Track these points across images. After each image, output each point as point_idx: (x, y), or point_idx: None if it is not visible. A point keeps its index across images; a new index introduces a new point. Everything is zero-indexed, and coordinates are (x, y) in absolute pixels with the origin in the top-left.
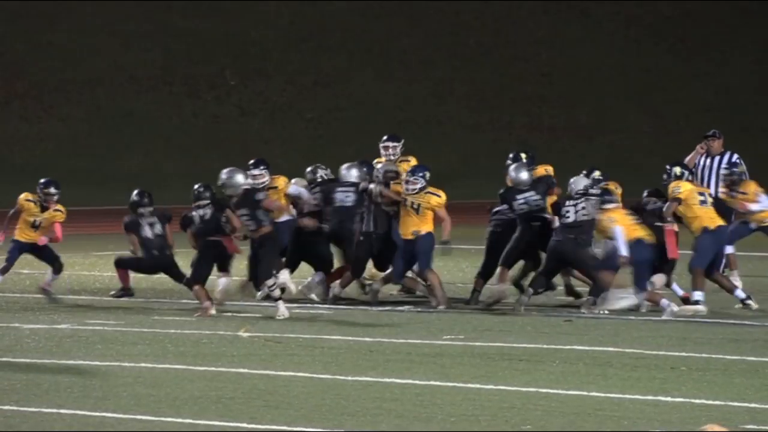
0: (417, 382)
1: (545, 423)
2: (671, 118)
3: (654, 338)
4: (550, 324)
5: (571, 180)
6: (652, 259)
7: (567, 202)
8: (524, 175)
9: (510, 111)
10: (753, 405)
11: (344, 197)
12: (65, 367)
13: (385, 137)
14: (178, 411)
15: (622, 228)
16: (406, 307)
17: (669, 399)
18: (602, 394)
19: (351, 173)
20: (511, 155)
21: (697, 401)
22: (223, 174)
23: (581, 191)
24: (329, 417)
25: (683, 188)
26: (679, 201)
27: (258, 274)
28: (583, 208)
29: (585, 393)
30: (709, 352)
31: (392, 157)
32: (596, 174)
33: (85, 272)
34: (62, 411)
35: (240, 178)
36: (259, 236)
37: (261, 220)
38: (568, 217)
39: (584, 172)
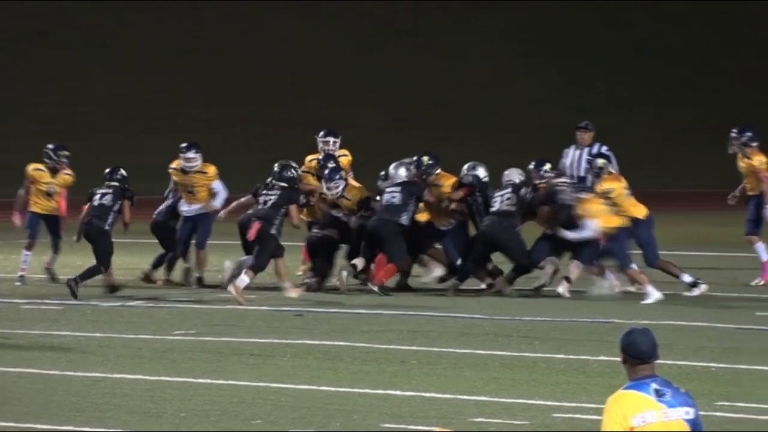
0: (147, 377)
1: (275, 417)
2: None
3: (384, 332)
4: (280, 318)
5: (506, 171)
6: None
7: (496, 192)
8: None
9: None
10: (482, 398)
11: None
12: None
13: (324, 132)
14: None
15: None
16: (136, 302)
17: (399, 393)
18: (332, 388)
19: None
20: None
21: (428, 395)
22: None
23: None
24: (58, 413)
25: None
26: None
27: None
28: (508, 198)
29: (315, 387)
30: (440, 346)
31: (332, 152)
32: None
33: None
34: None
35: None
36: None
37: None
38: (495, 205)
39: (533, 163)
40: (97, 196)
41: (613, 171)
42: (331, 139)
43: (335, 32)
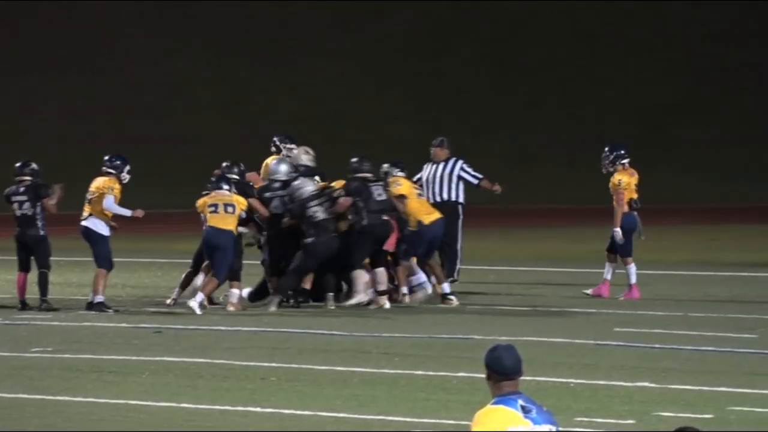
0: (5, 395)
1: None
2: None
3: (244, 349)
4: (140, 335)
5: (296, 184)
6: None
7: (309, 204)
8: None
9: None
10: (342, 415)
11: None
12: None
13: (279, 138)
14: None
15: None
16: None
17: (259, 410)
18: (192, 406)
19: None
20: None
21: (287, 411)
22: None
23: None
24: None
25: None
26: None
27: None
28: (329, 206)
29: (175, 404)
30: (299, 363)
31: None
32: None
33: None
34: None
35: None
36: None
37: None
38: (317, 217)
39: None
40: (15, 205)
41: (400, 173)
42: (290, 145)
43: (186, 48)
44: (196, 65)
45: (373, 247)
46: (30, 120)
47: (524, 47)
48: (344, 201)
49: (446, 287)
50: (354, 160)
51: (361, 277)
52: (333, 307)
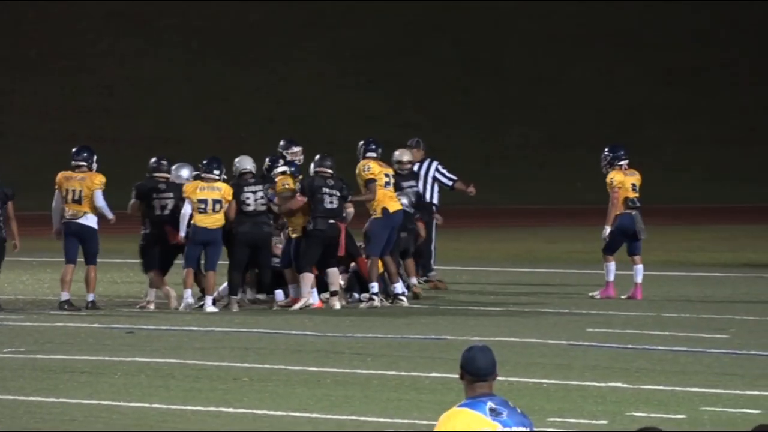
0: None
1: None
2: (234, 129)
3: (217, 349)
4: (112, 336)
5: (237, 160)
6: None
7: (245, 189)
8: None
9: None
10: (315, 415)
11: None
12: None
13: (285, 142)
14: None
15: None
16: None
17: (231, 410)
18: (164, 406)
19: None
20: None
21: (260, 412)
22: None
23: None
24: None
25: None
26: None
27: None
28: (262, 195)
29: (147, 405)
30: (272, 363)
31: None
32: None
33: None
34: None
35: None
36: None
37: None
38: (249, 204)
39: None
40: None
41: (372, 155)
42: (296, 149)
43: (162, 49)
44: (171, 66)
45: (321, 249)
46: (4, 121)
47: (499, 48)
48: (301, 199)
49: (398, 287)
50: (317, 157)
51: (308, 279)
52: (276, 308)
